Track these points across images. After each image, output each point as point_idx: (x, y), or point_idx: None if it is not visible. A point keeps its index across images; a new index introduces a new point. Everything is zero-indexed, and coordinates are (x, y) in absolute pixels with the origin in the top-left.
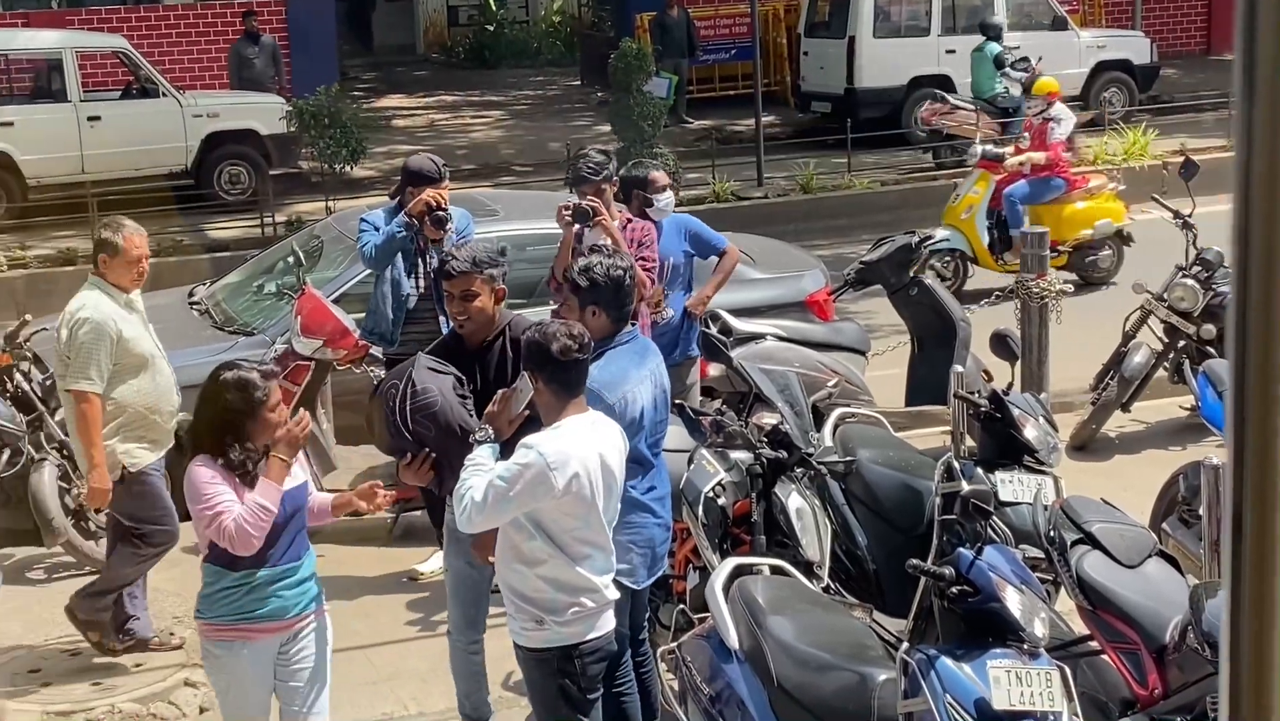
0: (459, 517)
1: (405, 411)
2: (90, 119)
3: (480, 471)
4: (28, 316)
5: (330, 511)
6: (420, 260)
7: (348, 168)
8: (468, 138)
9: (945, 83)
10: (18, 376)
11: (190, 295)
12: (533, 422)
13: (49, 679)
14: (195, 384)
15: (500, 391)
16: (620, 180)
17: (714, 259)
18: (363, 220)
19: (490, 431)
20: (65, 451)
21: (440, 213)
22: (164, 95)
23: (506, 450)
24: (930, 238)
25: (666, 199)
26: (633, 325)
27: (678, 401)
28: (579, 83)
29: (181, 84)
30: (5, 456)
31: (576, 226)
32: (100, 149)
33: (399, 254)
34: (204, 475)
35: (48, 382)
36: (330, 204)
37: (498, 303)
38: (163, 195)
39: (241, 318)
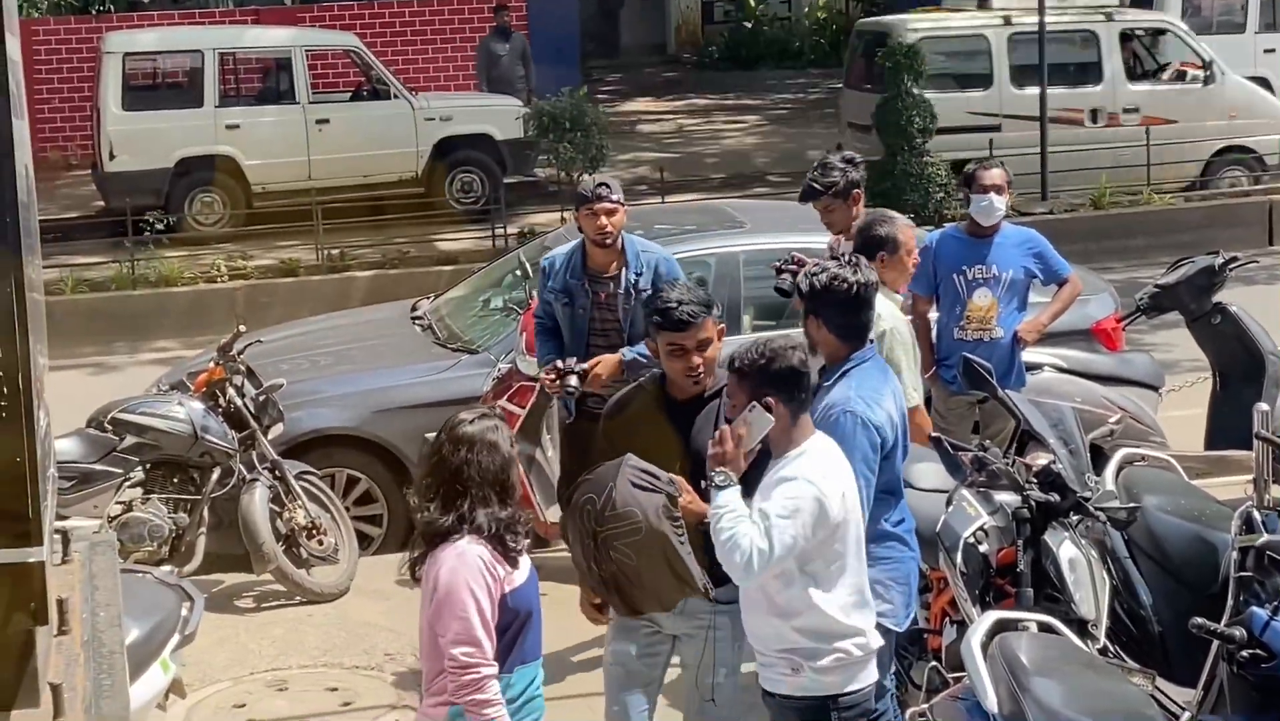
0: (738, 571)
1: (600, 542)
2: (319, 122)
3: (741, 518)
4: (241, 327)
5: None
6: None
7: (586, 176)
8: (719, 144)
9: (1263, 83)
10: (230, 391)
11: (413, 310)
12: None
13: (254, 714)
14: (415, 403)
15: (723, 428)
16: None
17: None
18: (542, 266)
19: (730, 474)
20: (277, 472)
21: (570, 381)
22: (395, 97)
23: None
24: (1237, 259)
25: (986, 203)
26: (871, 343)
27: (934, 435)
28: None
29: (414, 85)
30: (215, 476)
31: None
32: (328, 154)
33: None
34: (475, 568)
35: (261, 398)
36: (566, 214)
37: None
38: (391, 204)
39: (466, 334)
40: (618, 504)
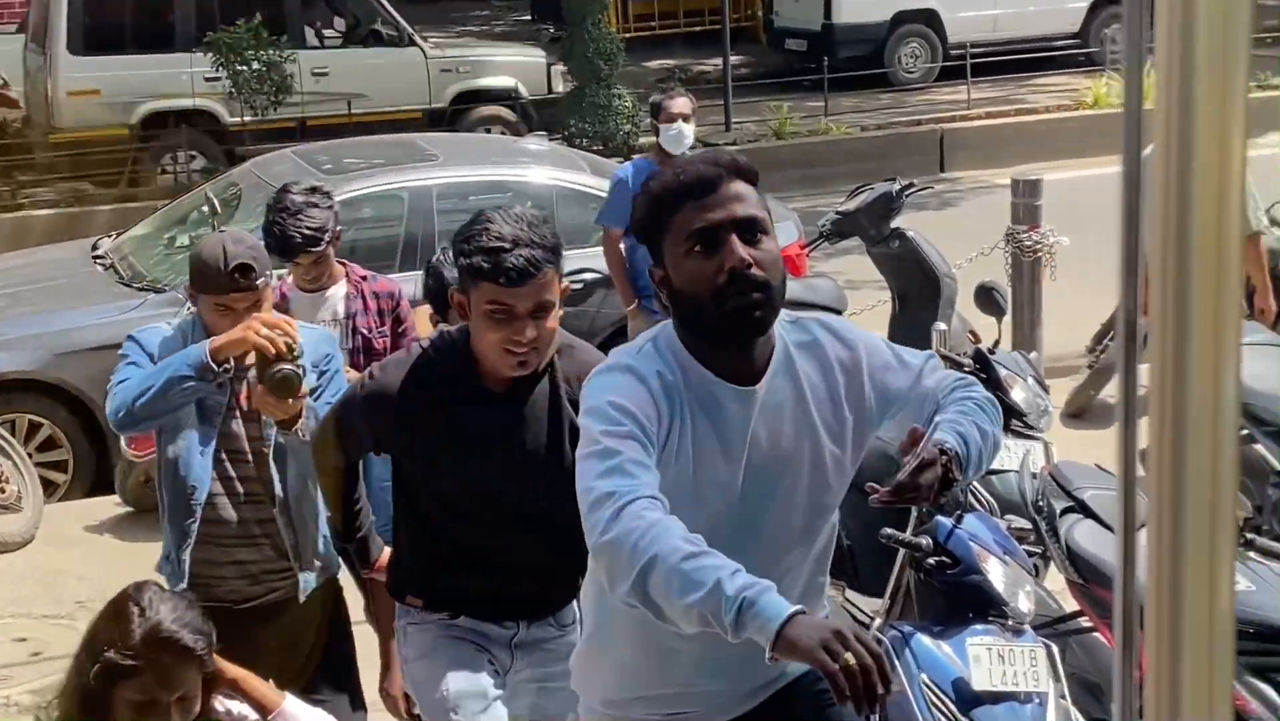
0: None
1: None
2: None
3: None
4: None
5: None
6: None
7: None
8: None
9: (932, 17)
10: None
11: (94, 249)
12: None
13: None
14: (99, 345)
15: None
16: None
17: None
18: (129, 340)
19: None
20: None
21: (285, 368)
22: None
23: None
24: (913, 185)
25: (675, 131)
26: None
27: None
28: (529, 18)
29: None
30: None
31: None
32: None
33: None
34: None
35: None
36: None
37: None
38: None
39: (151, 273)
40: None
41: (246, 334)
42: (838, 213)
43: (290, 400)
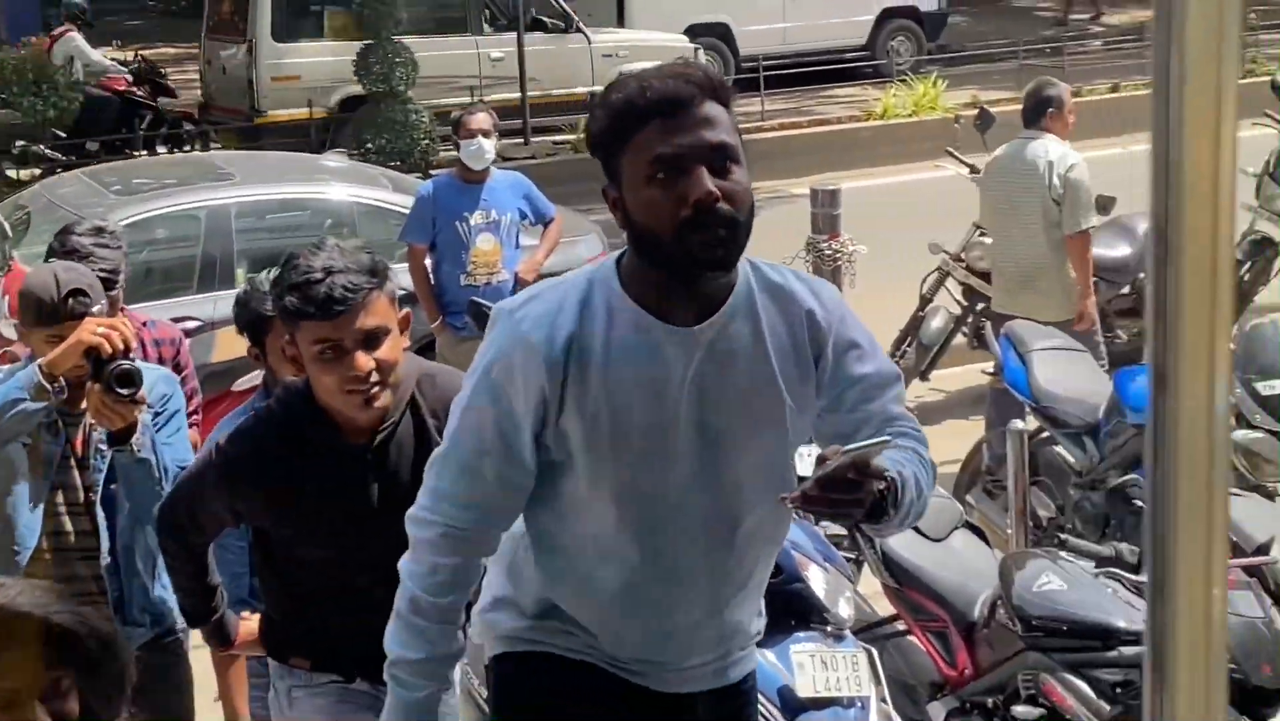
0: None
1: None
2: None
3: None
4: None
5: None
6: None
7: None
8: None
9: (723, 31)
10: None
11: None
12: None
13: None
14: None
15: None
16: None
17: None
18: None
19: None
20: None
21: (124, 364)
22: None
23: None
24: None
25: (475, 146)
26: None
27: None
28: None
29: None
30: None
31: None
32: None
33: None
34: None
35: None
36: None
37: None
38: None
39: None
40: None
41: (80, 335)
42: None
43: (131, 401)
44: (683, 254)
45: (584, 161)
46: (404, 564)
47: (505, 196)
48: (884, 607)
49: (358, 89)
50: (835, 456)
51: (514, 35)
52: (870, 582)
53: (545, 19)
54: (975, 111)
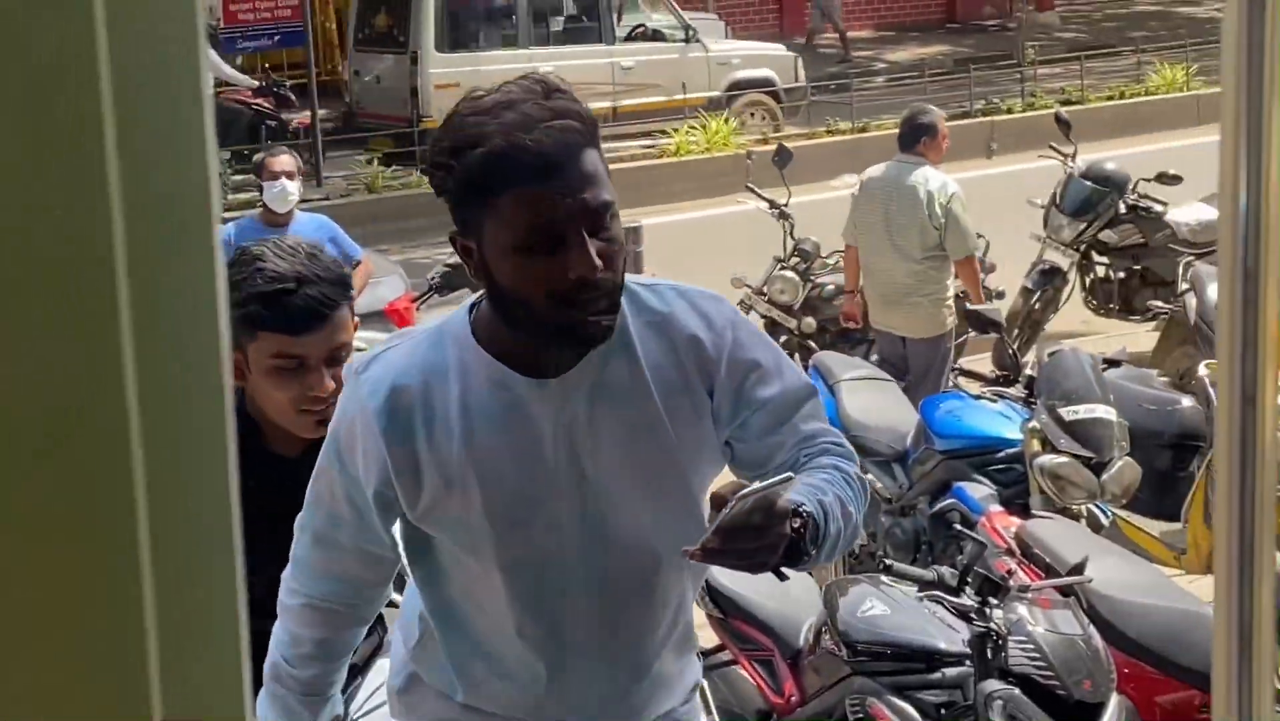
0: None
1: None
2: None
3: None
4: None
5: None
6: None
7: None
8: None
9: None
10: None
11: None
12: None
13: None
14: None
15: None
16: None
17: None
18: None
19: None
20: None
21: None
22: None
23: None
24: None
25: (279, 189)
26: None
27: None
28: None
29: None
30: None
31: None
32: None
33: None
34: None
35: None
36: None
37: None
38: None
39: None
40: None
41: None
42: (446, 265)
43: None
44: (558, 328)
45: (376, 202)
46: (275, 627)
47: (312, 239)
48: (709, 638)
49: None
50: (735, 500)
51: (642, 45)
52: (695, 613)
53: (665, 30)
54: (774, 148)
